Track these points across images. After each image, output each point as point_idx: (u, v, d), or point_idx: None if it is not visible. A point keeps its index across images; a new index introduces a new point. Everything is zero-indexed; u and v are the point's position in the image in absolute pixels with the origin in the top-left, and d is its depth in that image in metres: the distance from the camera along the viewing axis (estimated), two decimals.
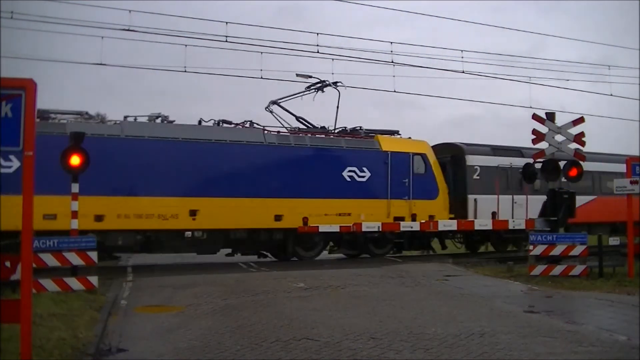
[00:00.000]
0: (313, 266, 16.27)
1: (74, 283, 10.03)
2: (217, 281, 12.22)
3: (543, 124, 13.01)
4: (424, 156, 17.83)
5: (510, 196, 18.64)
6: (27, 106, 4.79)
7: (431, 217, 17.41)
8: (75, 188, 11.54)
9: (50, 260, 9.91)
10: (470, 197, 18.42)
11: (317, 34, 15.76)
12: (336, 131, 17.87)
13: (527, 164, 13.42)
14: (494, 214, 17.97)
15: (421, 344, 6.47)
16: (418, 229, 17.39)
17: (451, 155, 19.11)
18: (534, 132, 13.02)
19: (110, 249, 14.53)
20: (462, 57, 17.89)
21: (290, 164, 16.17)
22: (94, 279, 10.25)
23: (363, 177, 16.98)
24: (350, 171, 16.79)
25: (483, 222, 17.45)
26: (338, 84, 17.83)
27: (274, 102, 17.92)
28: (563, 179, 13.37)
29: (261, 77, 16.35)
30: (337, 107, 28.11)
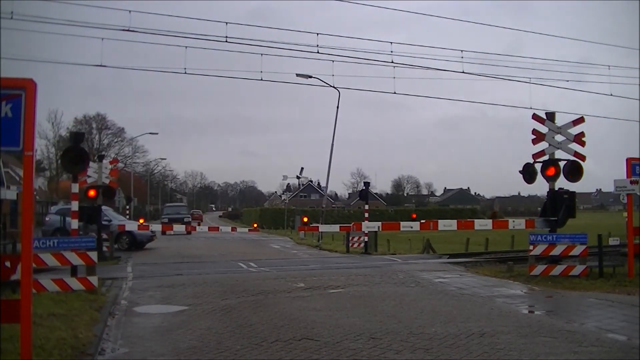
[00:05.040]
0: (313, 266, 16.29)
1: (74, 283, 10.03)
2: (217, 281, 12.23)
3: (543, 124, 13.01)
4: None
5: None
6: (27, 106, 4.78)
7: None
8: (75, 188, 11.56)
9: (50, 260, 9.91)
10: None
11: (317, 34, 15.76)
12: None
13: (527, 164, 13.41)
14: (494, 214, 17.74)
15: (421, 344, 6.47)
16: (418, 229, 17.40)
17: None
18: (534, 132, 13.01)
19: None
20: (462, 57, 17.87)
21: None
22: (94, 279, 10.24)
23: None
24: None
25: (483, 222, 17.45)
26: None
27: None
28: None
29: (261, 79, 16.38)
30: (337, 107, 28.36)
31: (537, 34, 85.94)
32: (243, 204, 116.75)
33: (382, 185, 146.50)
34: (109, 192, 17.87)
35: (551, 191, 13.35)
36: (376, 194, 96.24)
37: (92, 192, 16.28)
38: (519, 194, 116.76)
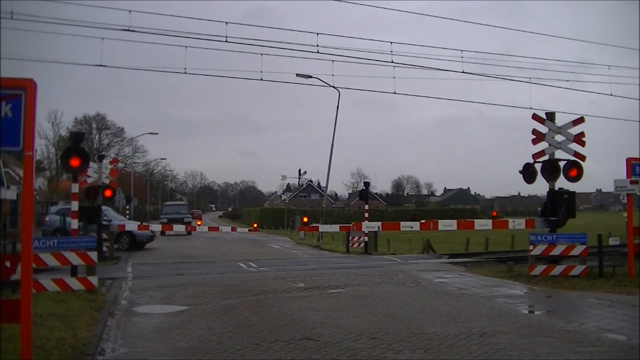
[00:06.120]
0: (313, 266, 16.28)
1: (74, 283, 10.03)
2: (217, 281, 12.23)
3: (543, 124, 13.01)
4: None
5: None
6: (27, 106, 4.78)
7: None
8: (75, 188, 11.56)
9: (50, 260, 9.91)
10: None
11: (317, 34, 15.76)
12: None
13: (527, 164, 13.42)
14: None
15: (421, 344, 6.46)
16: (418, 229, 17.41)
17: None
18: (534, 132, 13.01)
19: None
20: (462, 57, 17.85)
21: None
22: (94, 279, 10.25)
23: None
24: None
25: (483, 222, 17.44)
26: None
27: None
28: None
29: (261, 79, 16.38)
30: (337, 107, 28.36)
31: (536, 34, 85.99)
32: (243, 204, 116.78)
33: (382, 185, 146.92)
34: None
35: (551, 191, 13.35)
36: (376, 194, 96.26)
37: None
38: (519, 194, 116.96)
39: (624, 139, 67.78)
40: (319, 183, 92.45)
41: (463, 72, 17.59)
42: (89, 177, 16.75)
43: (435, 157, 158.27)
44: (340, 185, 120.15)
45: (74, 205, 11.47)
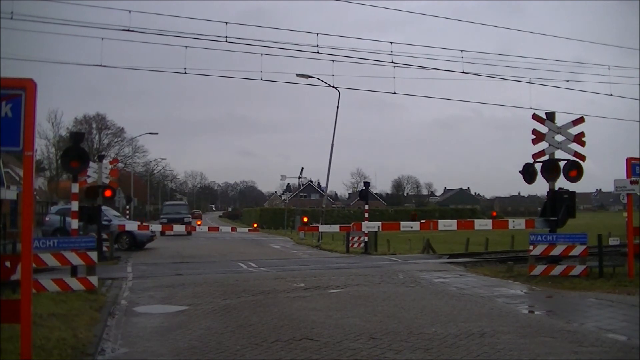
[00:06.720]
0: (313, 266, 16.29)
1: (74, 283, 10.03)
2: (217, 281, 12.23)
3: (543, 124, 13.01)
4: None
5: None
6: (27, 106, 4.78)
7: None
8: (75, 188, 11.57)
9: (50, 260, 9.91)
10: None
11: (317, 34, 15.76)
12: None
13: (527, 164, 13.42)
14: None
15: (421, 344, 6.46)
16: (418, 229, 17.40)
17: None
18: (534, 132, 13.01)
19: None
20: (462, 58, 17.85)
21: None
22: (94, 279, 10.25)
23: None
24: None
25: (483, 222, 17.44)
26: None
27: None
28: None
29: (261, 79, 16.38)
30: (337, 107, 28.37)
31: (534, 33, 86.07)
32: (243, 204, 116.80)
33: (382, 185, 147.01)
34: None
35: (551, 191, 13.35)
36: (376, 194, 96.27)
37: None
38: (519, 194, 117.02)
39: (624, 139, 67.83)
40: (319, 183, 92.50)
41: (463, 72, 17.61)
42: (89, 177, 16.75)
43: (435, 157, 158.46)
44: (340, 185, 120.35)
45: (74, 205, 11.47)
